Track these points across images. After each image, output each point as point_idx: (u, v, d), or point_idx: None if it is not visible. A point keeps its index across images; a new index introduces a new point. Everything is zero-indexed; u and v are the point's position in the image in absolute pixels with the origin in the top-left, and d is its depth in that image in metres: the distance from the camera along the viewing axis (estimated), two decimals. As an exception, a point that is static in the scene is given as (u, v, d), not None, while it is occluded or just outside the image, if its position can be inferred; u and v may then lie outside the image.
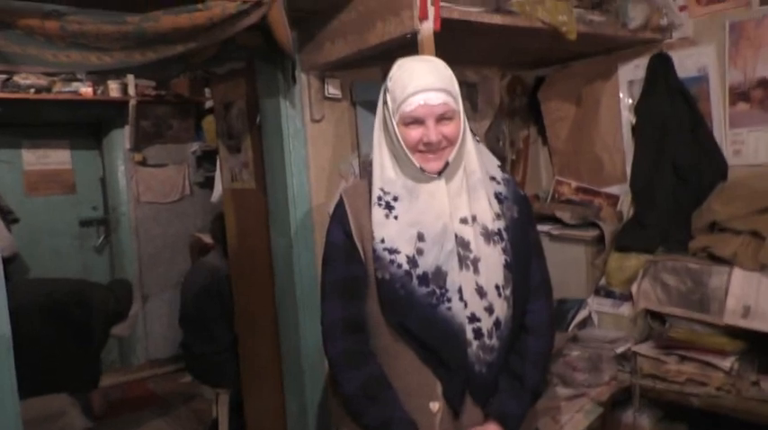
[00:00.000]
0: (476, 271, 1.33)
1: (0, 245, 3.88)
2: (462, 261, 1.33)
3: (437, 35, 1.70)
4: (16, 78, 4.01)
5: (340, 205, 1.46)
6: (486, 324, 1.33)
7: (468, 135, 1.40)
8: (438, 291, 1.32)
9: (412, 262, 1.33)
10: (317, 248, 2.23)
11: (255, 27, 1.77)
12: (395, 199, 1.37)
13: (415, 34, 1.70)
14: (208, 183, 4.80)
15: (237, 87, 2.55)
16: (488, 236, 1.36)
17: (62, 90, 4.20)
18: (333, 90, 2.21)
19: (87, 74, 3.96)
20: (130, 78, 4.43)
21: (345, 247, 1.41)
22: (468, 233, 1.34)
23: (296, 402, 2.30)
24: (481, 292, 1.33)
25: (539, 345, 1.44)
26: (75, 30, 1.57)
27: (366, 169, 2.31)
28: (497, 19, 1.86)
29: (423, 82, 1.31)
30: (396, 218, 1.35)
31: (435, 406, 1.36)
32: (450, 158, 1.34)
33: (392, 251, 1.33)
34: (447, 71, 1.36)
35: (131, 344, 4.80)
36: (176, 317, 3.37)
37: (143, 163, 4.77)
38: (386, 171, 1.38)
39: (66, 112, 4.45)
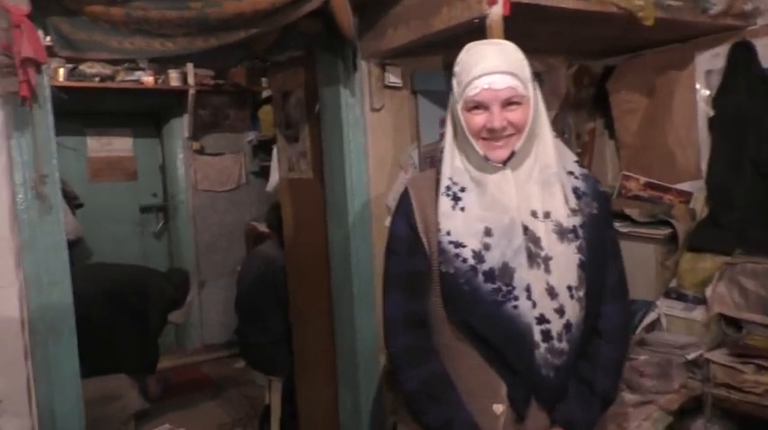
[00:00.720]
0: (547, 270, 1.25)
1: (66, 228, 4.01)
2: (532, 258, 1.26)
3: (505, 20, 1.62)
4: (82, 67, 4.13)
5: (405, 196, 1.40)
6: (555, 326, 1.25)
7: (544, 123, 1.32)
8: (504, 289, 1.25)
9: (478, 257, 1.26)
10: (374, 240, 2.19)
11: (317, 13, 1.74)
12: (462, 190, 1.31)
13: (482, 19, 1.62)
14: (263, 173, 4.84)
15: (296, 76, 2.53)
16: (562, 233, 1.27)
17: (125, 79, 4.31)
18: (393, 78, 2.16)
19: (149, 62, 4.02)
20: (190, 68, 4.49)
21: (409, 240, 1.36)
22: (540, 229, 1.27)
23: (350, 396, 2.27)
24: (552, 293, 1.25)
25: (611, 351, 1.35)
26: (139, 16, 1.57)
27: (432, 159, 2.25)
28: (570, 3, 1.77)
29: (488, 64, 1.24)
30: (462, 209, 1.29)
31: (499, 408, 1.29)
32: (517, 147, 1.27)
33: (457, 244, 1.27)
34: (517, 54, 1.29)
35: (187, 329, 4.91)
36: (231, 303, 3.41)
37: (201, 151, 4.85)
38: (455, 160, 1.33)
39: (129, 101, 4.55)
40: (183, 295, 3.88)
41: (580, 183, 1.35)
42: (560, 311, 1.25)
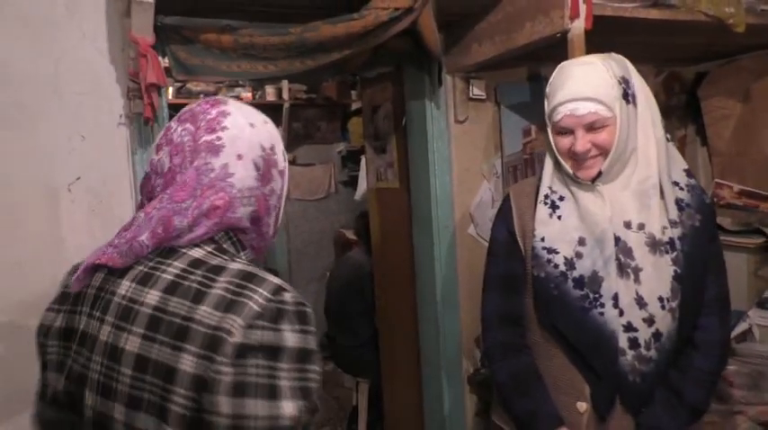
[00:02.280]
0: (636, 280, 1.29)
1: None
2: (622, 268, 1.30)
3: (587, 33, 1.66)
4: (189, 86, 4.48)
5: (506, 201, 1.50)
6: (643, 334, 1.29)
7: (645, 135, 1.33)
8: (591, 296, 1.30)
9: (569, 263, 1.33)
10: (458, 248, 2.26)
11: (405, 32, 1.84)
12: (561, 198, 1.38)
13: (564, 33, 1.67)
14: (351, 182, 5.02)
15: (385, 91, 2.65)
16: (655, 245, 1.30)
17: (226, 95, 4.62)
18: (477, 91, 2.24)
19: (249, 81, 4.30)
20: (285, 84, 4.76)
21: (507, 244, 1.45)
22: (632, 240, 1.30)
23: (434, 399, 2.35)
24: (641, 302, 1.28)
25: (704, 363, 1.35)
26: (246, 42, 1.74)
27: (515, 169, 2.31)
28: (654, 14, 1.78)
29: (570, 91, 1.29)
30: (559, 218, 1.36)
31: (583, 406, 1.35)
32: (604, 167, 1.31)
33: (550, 250, 1.34)
34: (604, 75, 1.30)
35: (279, 332, 5.14)
36: (321, 307, 3.58)
37: (293, 162, 5.09)
38: (554, 170, 1.41)
39: (227, 116, 4.85)
40: None
41: (684, 195, 1.36)
42: (649, 321, 1.28)
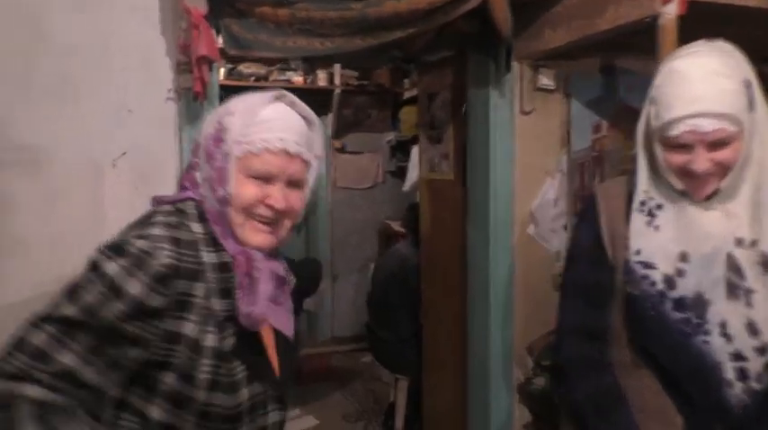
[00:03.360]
0: (748, 304, 1.12)
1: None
2: (732, 291, 1.13)
3: (681, 21, 1.49)
4: (240, 67, 4.43)
5: (592, 202, 1.33)
6: (754, 365, 1.13)
7: (762, 141, 1.15)
8: (695, 321, 1.14)
9: (668, 282, 1.16)
10: (515, 247, 2.12)
11: (474, 12, 1.71)
12: (659, 207, 1.21)
13: (654, 19, 1.50)
14: (399, 173, 4.90)
15: (443, 77, 2.52)
16: (766, 264, 1.13)
17: (277, 78, 4.55)
18: (546, 81, 2.08)
19: (303, 61, 4.21)
20: (337, 68, 4.66)
21: (593, 249, 1.29)
22: (744, 259, 1.14)
23: (479, 404, 2.22)
24: (753, 329, 1.12)
25: None
26: (302, 17, 1.63)
27: (583, 166, 2.15)
28: (754, 1, 1.59)
29: (694, 106, 1.10)
30: (657, 228, 1.19)
31: None
32: (723, 185, 1.14)
33: (647, 265, 1.18)
34: (731, 82, 1.11)
35: (319, 321, 5.09)
36: (361, 297, 3.48)
37: (342, 149, 5.00)
38: (651, 172, 1.23)
39: (278, 100, 4.79)
40: (315, 283, 4.04)
41: None
42: (762, 350, 1.12)
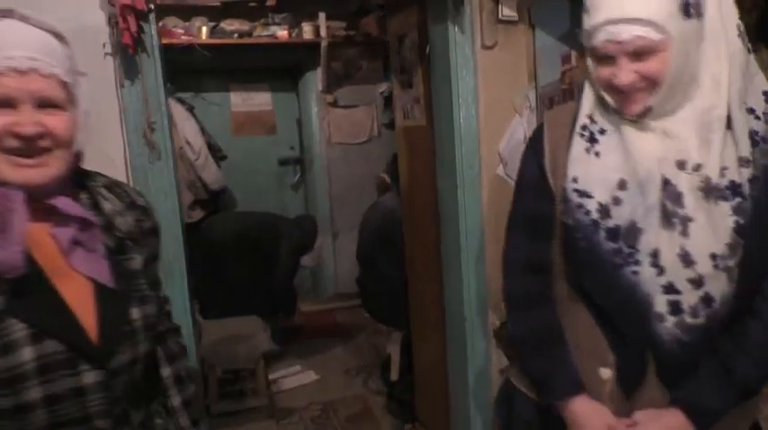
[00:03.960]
0: (684, 233, 1.04)
1: (209, 179, 4.31)
2: (668, 218, 1.05)
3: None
4: (222, 25, 4.31)
5: (539, 132, 1.26)
6: (689, 298, 1.05)
7: (715, 55, 1.04)
8: (625, 250, 1.08)
9: (603, 211, 1.09)
10: (484, 191, 2.05)
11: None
12: (602, 131, 1.12)
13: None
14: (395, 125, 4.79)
15: (410, 17, 2.40)
16: (709, 190, 1.04)
17: (261, 34, 4.43)
18: (508, 12, 1.96)
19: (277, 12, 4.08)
20: (322, 19, 4.51)
21: (536, 180, 1.23)
22: (684, 184, 1.05)
23: (457, 352, 2.19)
24: (687, 260, 1.04)
25: (764, 335, 1.10)
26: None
27: (552, 101, 2.05)
28: None
29: (611, 11, 1.01)
30: (597, 155, 1.11)
31: (606, 372, 1.15)
32: (654, 102, 1.05)
33: (582, 194, 1.11)
34: None
35: (322, 278, 5.10)
36: (358, 254, 3.45)
37: (334, 104, 4.90)
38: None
39: (266, 56, 4.69)
40: (312, 239, 4.03)
41: (761, 126, 1.07)
42: (697, 282, 1.04)
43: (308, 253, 4.03)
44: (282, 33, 4.45)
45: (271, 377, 3.55)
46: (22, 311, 0.85)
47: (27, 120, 0.85)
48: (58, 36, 0.92)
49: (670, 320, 1.06)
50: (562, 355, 1.19)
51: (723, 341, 1.10)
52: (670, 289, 1.05)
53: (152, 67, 1.74)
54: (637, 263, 1.06)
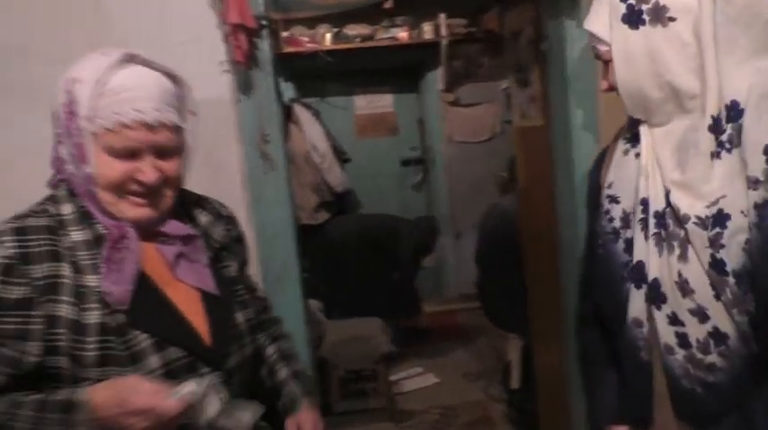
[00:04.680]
0: (683, 257, 0.91)
1: (334, 182, 4.44)
2: (669, 238, 0.94)
3: None
4: (345, 30, 4.42)
5: (611, 143, 1.18)
6: (694, 331, 0.91)
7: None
8: (631, 264, 0.99)
9: (625, 219, 1.01)
10: (604, 194, 1.91)
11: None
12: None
13: None
14: (518, 122, 4.65)
15: (525, 12, 2.30)
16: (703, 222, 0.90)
17: (383, 36, 4.49)
18: (630, 1, 1.81)
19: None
20: (442, 19, 4.48)
21: (591, 195, 1.16)
22: (685, 204, 0.92)
23: (576, 360, 2.06)
24: (684, 288, 0.90)
25: None
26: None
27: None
28: None
29: None
30: (636, 156, 1.01)
31: None
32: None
33: (612, 199, 1.05)
34: None
35: (445, 278, 5.07)
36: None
37: (455, 103, 4.85)
38: None
39: (387, 58, 4.76)
40: (433, 239, 4.02)
41: None
42: (700, 314, 0.90)
43: (430, 253, 4.03)
44: (403, 35, 4.47)
45: (392, 378, 3.60)
46: (143, 323, 0.92)
47: (149, 169, 0.91)
48: (174, 79, 0.98)
49: (680, 353, 0.93)
50: (595, 380, 1.17)
51: (753, 394, 0.91)
52: (674, 319, 0.92)
53: (264, 80, 1.81)
54: (640, 281, 0.97)
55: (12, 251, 0.86)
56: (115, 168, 0.90)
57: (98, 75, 0.89)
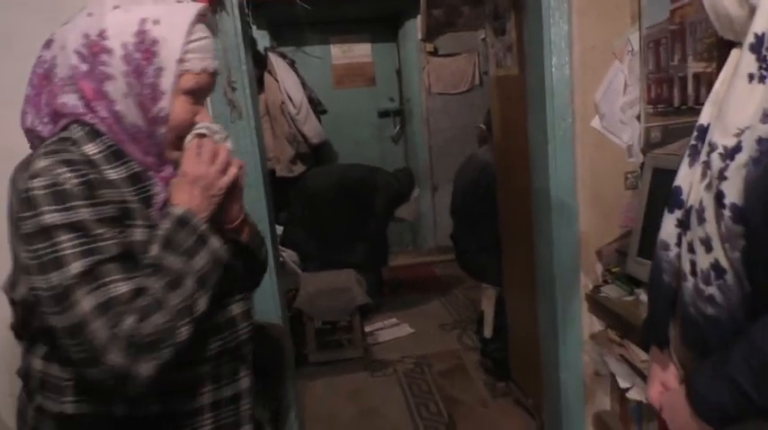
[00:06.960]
0: (709, 187, 0.87)
1: (310, 133, 4.37)
2: (693, 156, 0.95)
3: None
4: (320, -25, 4.28)
5: None
6: (701, 260, 0.89)
7: None
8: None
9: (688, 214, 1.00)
10: (577, 144, 1.89)
11: None
12: None
13: None
14: (497, 72, 4.59)
15: (503, -43, 2.23)
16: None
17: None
18: (608, -56, 1.76)
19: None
20: (422, -35, 4.35)
21: None
22: (717, 132, 0.89)
23: (546, 315, 2.09)
24: (700, 217, 0.89)
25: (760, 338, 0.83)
26: None
27: (657, 44, 1.84)
28: None
29: None
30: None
31: None
32: None
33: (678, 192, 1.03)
34: None
35: (423, 231, 5.08)
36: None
37: (434, 53, 4.76)
38: None
39: (366, 6, 4.62)
40: (408, 190, 4.00)
41: None
42: (706, 243, 0.88)
43: (403, 204, 4.02)
44: (381, -19, 4.35)
45: (367, 329, 3.63)
46: None
47: (205, 112, 1.01)
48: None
49: (690, 281, 0.92)
50: None
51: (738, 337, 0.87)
52: (690, 247, 0.92)
53: (231, 25, 1.75)
54: (677, 204, 0.97)
55: (77, 180, 0.85)
56: (188, 110, 0.97)
57: (181, 21, 0.93)
